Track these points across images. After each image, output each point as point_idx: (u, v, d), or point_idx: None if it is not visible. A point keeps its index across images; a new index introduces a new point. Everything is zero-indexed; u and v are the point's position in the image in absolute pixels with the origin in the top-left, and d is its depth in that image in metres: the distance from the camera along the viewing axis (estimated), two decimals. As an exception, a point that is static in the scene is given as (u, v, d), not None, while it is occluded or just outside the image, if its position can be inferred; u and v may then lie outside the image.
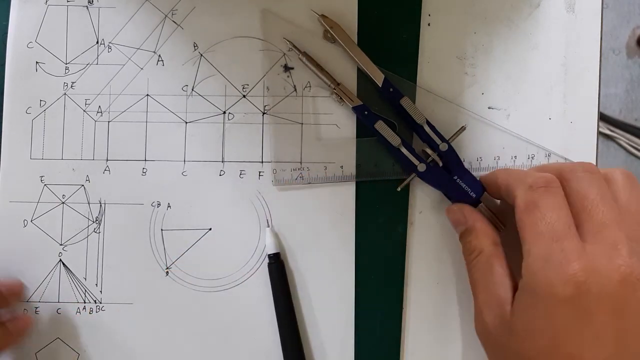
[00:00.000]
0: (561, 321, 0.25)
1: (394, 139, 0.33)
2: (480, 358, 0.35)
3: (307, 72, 0.35)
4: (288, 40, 0.35)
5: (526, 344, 0.26)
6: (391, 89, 0.34)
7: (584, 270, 0.25)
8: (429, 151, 0.33)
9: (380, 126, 0.33)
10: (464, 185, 0.33)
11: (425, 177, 0.33)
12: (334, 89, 0.34)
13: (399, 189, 0.34)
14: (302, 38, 0.35)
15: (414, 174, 0.33)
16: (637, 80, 0.86)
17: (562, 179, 0.28)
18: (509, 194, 0.29)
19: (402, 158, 0.33)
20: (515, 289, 0.28)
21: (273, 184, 0.35)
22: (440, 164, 0.33)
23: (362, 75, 0.35)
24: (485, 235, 0.30)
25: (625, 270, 0.25)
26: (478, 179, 0.33)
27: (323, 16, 0.34)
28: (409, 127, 0.34)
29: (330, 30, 0.34)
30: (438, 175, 0.33)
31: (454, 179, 0.33)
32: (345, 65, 0.35)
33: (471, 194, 0.33)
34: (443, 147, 0.33)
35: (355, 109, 0.34)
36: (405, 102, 0.33)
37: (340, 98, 0.34)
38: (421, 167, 0.33)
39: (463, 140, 0.35)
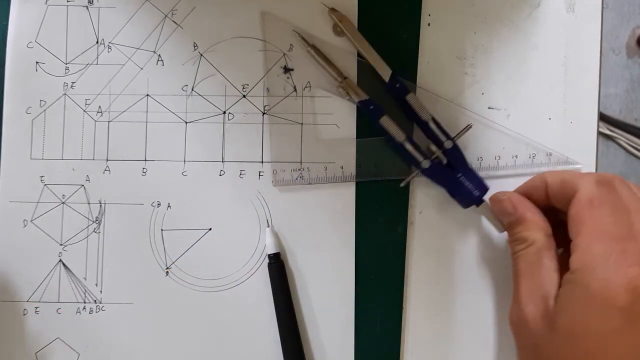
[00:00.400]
0: (612, 325, 0.24)
1: (399, 134, 0.33)
2: (480, 357, 0.35)
3: (307, 72, 0.35)
4: (297, 32, 0.35)
5: (568, 343, 0.25)
6: (398, 85, 0.34)
7: None
8: (433, 148, 0.33)
9: (386, 121, 0.33)
10: (467, 184, 0.33)
11: (428, 173, 0.33)
12: (341, 82, 0.34)
13: (402, 184, 0.34)
14: (300, 39, 0.35)
15: (417, 170, 0.33)
16: (637, 80, 0.86)
17: (614, 183, 0.28)
18: (566, 188, 0.28)
19: (406, 154, 0.33)
20: (559, 285, 0.27)
21: (273, 184, 0.35)
22: (445, 162, 0.33)
23: (362, 73, 0.35)
24: (537, 227, 0.29)
25: None
26: (482, 178, 0.33)
27: (333, 9, 0.34)
28: (414, 123, 0.34)
29: (340, 23, 0.34)
30: (442, 172, 0.33)
31: (458, 177, 0.33)
32: (343, 64, 0.35)
33: (475, 192, 0.33)
34: (448, 144, 0.33)
35: (361, 103, 0.34)
36: (411, 97, 0.33)
37: (347, 92, 0.34)
38: (425, 164, 0.33)
39: (463, 140, 0.35)
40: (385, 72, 0.34)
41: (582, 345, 0.24)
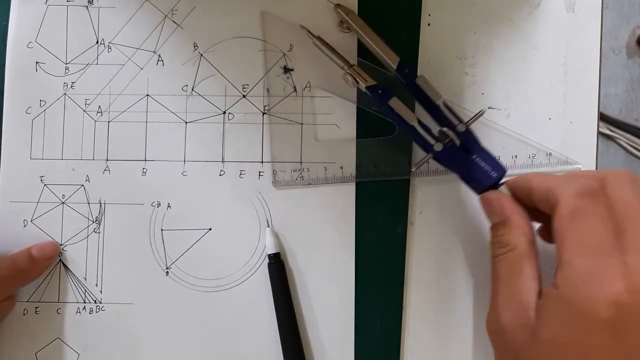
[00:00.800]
0: (596, 340, 0.24)
1: (410, 117, 0.31)
2: (480, 357, 0.35)
3: (307, 72, 0.35)
4: (303, 27, 0.34)
5: (550, 354, 0.25)
6: (407, 70, 0.33)
7: (628, 291, 0.23)
8: (446, 130, 0.31)
9: (395, 102, 0.32)
10: (483, 165, 0.31)
11: (442, 156, 0.31)
12: (349, 69, 0.33)
13: (414, 169, 0.33)
14: (302, 38, 0.35)
15: (430, 154, 0.31)
16: (637, 80, 0.86)
17: (606, 185, 0.27)
18: (549, 198, 0.27)
19: (418, 137, 0.32)
20: (539, 294, 0.26)
21: (273, 185, 0.35)
22: (458, 144, 0.31)
23: (363, 69, 0.35)
24: (521, 232, 0.28)
25: None
26: (498, 160, 0.31)
27: (338, 5, 0.34)
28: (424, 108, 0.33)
29: (347, 17, 0.34)
30: (456, 154, 0.31)
31: (473, 159, 0.31)
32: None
33: (492, 174, 0.30)
34: (461, 127, 0.31)
35: (369, 88, 0.33)
36: (421, 80, 0.32)
37: (354, 79, 0.33)
38: (438, 147, 0.31)
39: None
40: (393, 59, 0.33)
41: (565, 357, 0.24)
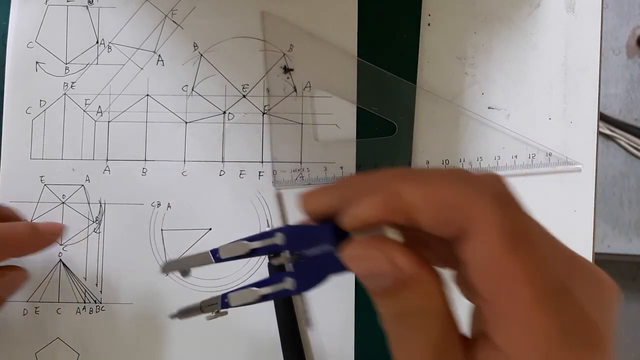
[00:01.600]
0: None
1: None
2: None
3: (307, 72, 0.35)
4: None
5: None
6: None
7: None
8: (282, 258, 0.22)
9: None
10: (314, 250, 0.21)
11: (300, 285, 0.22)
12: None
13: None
14: (302, 38, 0.35)
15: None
16: (637, 80, 0.86)
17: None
18: (457, 220, 0.17)
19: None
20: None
21: (273, 185, 0.35)
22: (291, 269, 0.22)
23: (362, 74, 0.35)
24: (436, 291, 0.18)
25: None
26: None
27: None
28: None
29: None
30: (305, 270, 0.22)
31: (309, 258, 0.22)
32: (345, 64, 0.35)
33: (320, 231, 0.21)
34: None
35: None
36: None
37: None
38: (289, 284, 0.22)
39: (464, 140, 0.35)
40: None
41: None
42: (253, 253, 0.23)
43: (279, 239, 0.22)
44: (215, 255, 0.23)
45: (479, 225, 0.16)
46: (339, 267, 0.20)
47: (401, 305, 0.18)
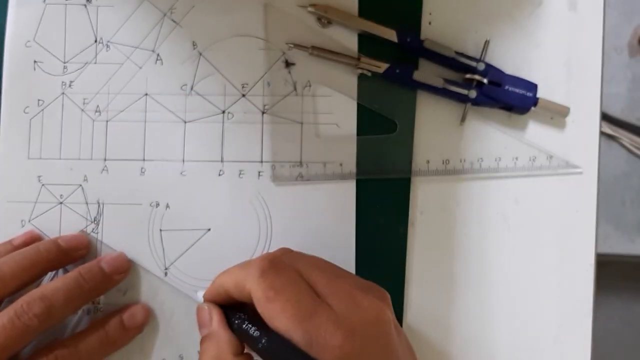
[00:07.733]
0: None
1: (436, 80, 0.33)
2: (480, 357, 0.34)
3: (307, 70, 0.35)
4: (293, 44, 0.35)
5: None
6: (409, 39, 0.34)
7: (346, 338, 0.24)
8: (470, 76, 0.33)
9: (419, 74, 0.33)
10: (518, 90, 0.33)
11: (479, 100, 0.33)
12: (358, 63, 0.34)
13: (461, 123, 0.34)
14: (304, 32, 0.35)
15: (468, 103, 0.33)
16: (639, 79, 0.86)
17: (276, 256, 0.28)
18: (243, 291, 0.27)
19: (451, 94, 0.33)
20: None
21: (272, 179, 0.35)
22: (487, 82, 0.33)
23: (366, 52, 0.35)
24: (223, 344, 0.28)
25: (375, 309, 0.26)
26: (524, 79, 0.33)
27: (312, 5, 0.34)
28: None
29: (325, 14, 0.34)
30: (490, 92, 0.33)
31: (507, 89, 0.33)
32: (347, 61, 0.35)
33: (528, 94, 0.33)
34: (480, 66, 0.33)
35: (386, 72, 0.34)
36: (428, 43, 0.34)
37: (368, 70, 0.34)
38: (472, 94, 0.33)
39: (463, 140, 0.35)
40: (390, 34, 0.34)
41: None
42: None
43: None
44: None
45: (252, 292, 0.26)
46: None
47: (204, 349, 0.29)
